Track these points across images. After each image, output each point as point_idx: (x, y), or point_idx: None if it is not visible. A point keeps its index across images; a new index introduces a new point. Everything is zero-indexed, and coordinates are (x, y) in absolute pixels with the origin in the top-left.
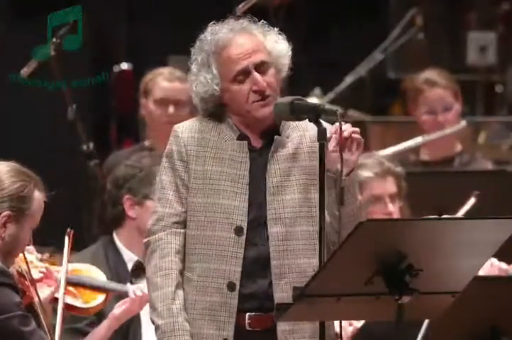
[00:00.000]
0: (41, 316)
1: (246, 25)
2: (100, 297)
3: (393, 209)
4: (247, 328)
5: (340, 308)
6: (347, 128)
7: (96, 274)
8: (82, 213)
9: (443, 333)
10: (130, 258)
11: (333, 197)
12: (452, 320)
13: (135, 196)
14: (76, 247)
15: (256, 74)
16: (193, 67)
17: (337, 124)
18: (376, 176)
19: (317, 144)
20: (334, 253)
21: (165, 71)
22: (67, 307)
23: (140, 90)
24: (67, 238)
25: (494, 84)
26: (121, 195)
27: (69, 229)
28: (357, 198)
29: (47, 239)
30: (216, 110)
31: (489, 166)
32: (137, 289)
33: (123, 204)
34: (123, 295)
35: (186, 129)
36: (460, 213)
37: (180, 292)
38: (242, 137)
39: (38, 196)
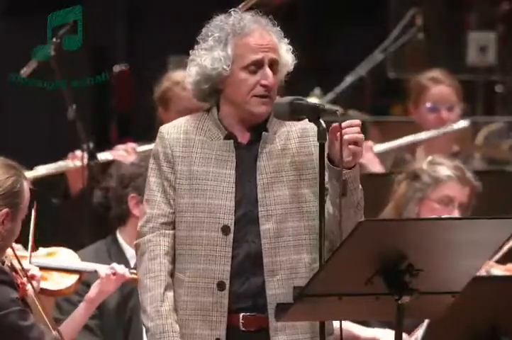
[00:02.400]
0: (39, 308)
1: (267, 24)
2: (72, 278)
3: (457, 216)
4: (241, 328)
5: (340, 308)
6: (346, 131)
7: (68, 256)
8: (82, 213)
9: (443, 333)
10: (132, 255)
11: (336, 189)
12: (452, 320)
13: (140, 195)
14: (75, 246)
15: (268, 70)
16: (209, 41)
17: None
18: (458, 179)
19: (305, 140)
20: (334, 253)
21: (180, 78)
22: (42, 291)
23: (156, 96)
24: (33, 211)
25: (494, 84)
26: (126, 194)
27: (35, 203)
28: (359, 191)
29: (47, 239)
30: (210, 94)
31: (485, 166)
32: (107, 269)
33: (128, 202)
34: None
35: (171, 130)
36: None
37: (170, 294)
38: (228, 136)
39: (27, 187)
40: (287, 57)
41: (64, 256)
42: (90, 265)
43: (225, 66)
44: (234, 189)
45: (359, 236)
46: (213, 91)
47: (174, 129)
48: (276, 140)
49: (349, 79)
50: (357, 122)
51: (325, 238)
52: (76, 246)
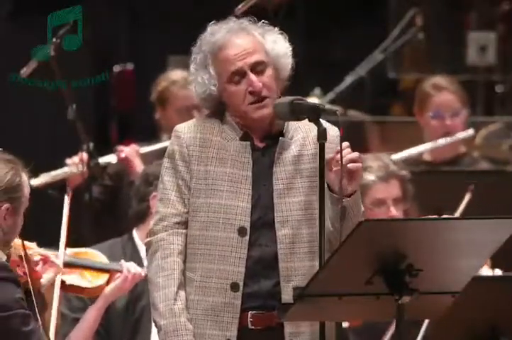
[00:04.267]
0: (39, 299)
1: (245, 26)
2: (103, 277)
3: (396, 212)
4: (250, 326)
5: (340, 308)
6: (347, 155)
7: (97, 257)
8: (82, 213)
9: (443, 333)
10: None
11: (336, 213)
12: (452, 320)
13: None
14: (74, 247)
15: (251, 75)
16: (192, 67)
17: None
18: (380, 179)
19: None
20: (334, 253)
21: (177, 77)
22: (71, 288)
23: (153, 97)
24: (66, 197)
25: (494, 84)
26: (149, 192)
27: (68, 189)
28: (360, 213)
29: (47, 239)
30: (217, 108)
31: (491, 167)
32: (130, 266)
33: (150, 200)
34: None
35: (187, 129)
36: (459, 210)
37: (182, 293)
38: (245, 137)
39: (26, 179)
40: (276, 47)
41: (93, 256)
42: (119, 265)
43: (212, 87)
44: (250, 191)
45: (359, 236)
46: (218, 105)
47: (190, 129)
48: (292, 146)
49: (349, 79)
50: (346, 144)
51: (325, 243)
52: (75, 238)
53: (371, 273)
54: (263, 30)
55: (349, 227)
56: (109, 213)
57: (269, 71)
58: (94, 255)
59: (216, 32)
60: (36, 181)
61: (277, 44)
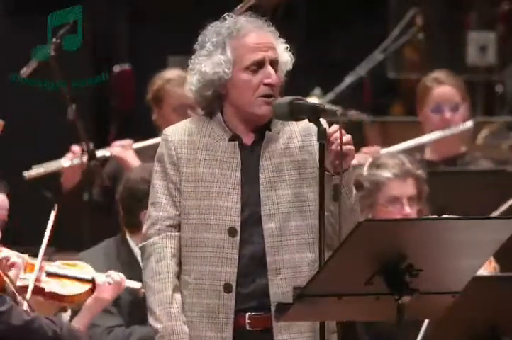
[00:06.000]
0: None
1: (263, 24)
2: (82, 287)
3: (410, 211)
4: (248, 328)
5: (340, 308)
6: (338, 139)
7: (84, 268)
8: (79, 214)
9: (443, 333)
10: None
11: (329, 194)
12: (452, 320)
13: None
14: (74, 247)
15: (270, 68)
16: (207, 47)
17: (334, 126)
18: (396, 177)
19: (307, 138)
20: (334, 253)
21: (173, 75)
22: (51, 295)
23: (149, 96)
24: (53, 213)
25: (494, 84)
26: (138, 208)
27: (55, 206)
28: (352, 194)
29: (33, 237)
30: (213, 100)
31: (492, 167)
32: (107, 277)
33: (141, 218)
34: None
35: (175, 132)
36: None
37: (177, 296)
38: (233, 137)
39: (3, 197)
40: (285, 55)
41: (81, 267)
42: (89, 273)
43: (226, 70)
44: (239, 191)
45: (359, 236)
46: (216, 97)
47: (178, 131)
48: (279, 139)
49: (349, 79)
50: (336, 126)
51: (325, 238)
52: (74, 239)
53: (371, 273)
54: (276, 36)
55: (343, 210)
56: (107, 215)
57: (279, 74)
58: (82, 266)
59: (238, 20)
60: (30, 173)
61: (286, 53)
